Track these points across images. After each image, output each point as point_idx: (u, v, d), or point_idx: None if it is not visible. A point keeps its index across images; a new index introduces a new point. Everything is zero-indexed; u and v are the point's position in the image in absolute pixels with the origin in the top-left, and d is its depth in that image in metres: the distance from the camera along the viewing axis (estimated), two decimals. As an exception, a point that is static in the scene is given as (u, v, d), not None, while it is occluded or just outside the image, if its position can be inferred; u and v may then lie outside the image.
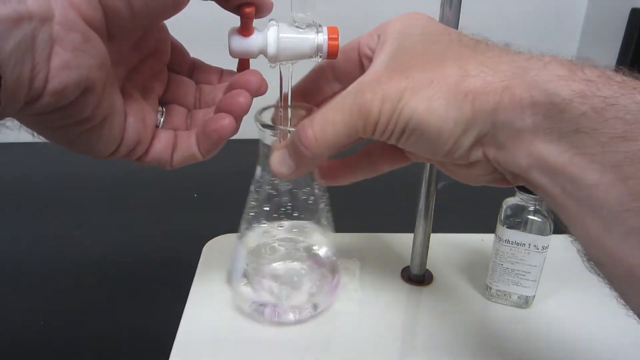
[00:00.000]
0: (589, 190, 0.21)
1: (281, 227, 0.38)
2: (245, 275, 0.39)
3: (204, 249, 0.48)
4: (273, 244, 0.39)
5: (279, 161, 0.29)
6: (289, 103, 0.33)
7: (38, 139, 0.26)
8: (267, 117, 0.34)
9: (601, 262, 0.22)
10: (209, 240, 0.50)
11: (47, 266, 0.50)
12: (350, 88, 0.27)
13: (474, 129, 0.24)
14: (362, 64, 0.31)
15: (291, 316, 0.38)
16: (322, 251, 0.40)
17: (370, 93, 0.25)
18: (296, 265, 0.38)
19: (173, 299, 0.42)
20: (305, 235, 0.38)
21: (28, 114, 0.23)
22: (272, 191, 0.37)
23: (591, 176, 0.21)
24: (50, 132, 0.26)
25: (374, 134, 0.26)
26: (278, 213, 0.38)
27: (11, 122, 0.24)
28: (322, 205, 0.38)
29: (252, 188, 0.38)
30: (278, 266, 0.38)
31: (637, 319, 0.22)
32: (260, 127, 0.33)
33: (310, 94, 0.34)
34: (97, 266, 0.49)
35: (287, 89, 0.33)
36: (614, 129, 0.21)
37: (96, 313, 0.43)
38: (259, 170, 0.37)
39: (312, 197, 0.38)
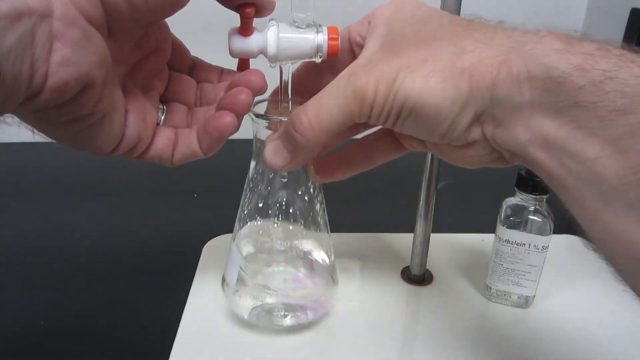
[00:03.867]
0: (589, 164, 0.21)
1: (276, 226, 0.37)
2: (240, 281, 0.38)
3: (204, 249, 0.48)
4: (268, 248, 0.38)
5: (273, 152, 0.29)
6: (290, 96, 0.33)
7: (38, 137, 0.26)
8: (260, 111, 0.34)
9: (601, 239, 0.22)
10: (209, 240, 0.50)
11: (45, 266, 0.49)
12: (344, 72, 0.26)
13: (472, 106, 0.24)
14: (353, 52, 0.31)
15: (288, 320, 0.38)
16: (318, 253, 0.39)
17: (364, 75, 0.25)
18: (292, 268, 0.38)
19: (173, 299, 0.42)
20: (300, 236, 0.38)
21: (28, 110, 0.23)
22: (266, 188, 0.36)
23: (591, 150, 0.21)
24: (50, 128, 0.26)
25: (370, 118, 0.26)
26: (272, 211, 0.37)
27: (11, 119, 0.24)
28: (317, 205, 0.38)
29: (245, 186, 0.37)
30: (274, 270, 0.38)
31: (634, 295, 0.22)
32: (254, 117, 0.33)
33: (302, 87, 0.34)
34: (96, 266, 0.49)
35: (288, 85, 0.33)
36: (613, 102, 0.20)
37: (94, 313, 0.43)
38: (252, 165, 0.36)
39: (307, 196, 0.37)
